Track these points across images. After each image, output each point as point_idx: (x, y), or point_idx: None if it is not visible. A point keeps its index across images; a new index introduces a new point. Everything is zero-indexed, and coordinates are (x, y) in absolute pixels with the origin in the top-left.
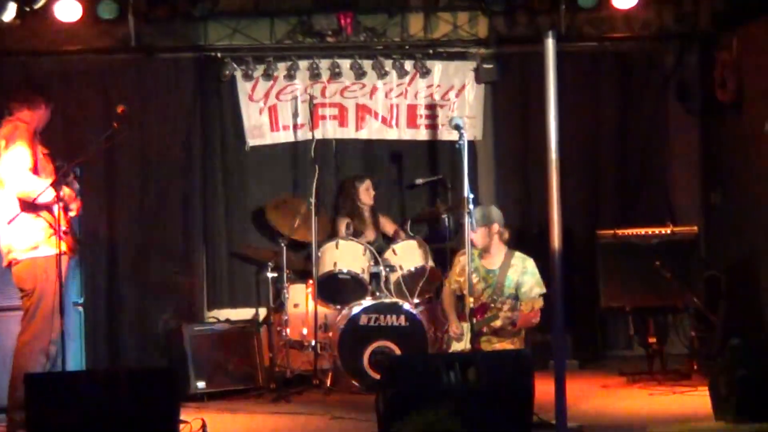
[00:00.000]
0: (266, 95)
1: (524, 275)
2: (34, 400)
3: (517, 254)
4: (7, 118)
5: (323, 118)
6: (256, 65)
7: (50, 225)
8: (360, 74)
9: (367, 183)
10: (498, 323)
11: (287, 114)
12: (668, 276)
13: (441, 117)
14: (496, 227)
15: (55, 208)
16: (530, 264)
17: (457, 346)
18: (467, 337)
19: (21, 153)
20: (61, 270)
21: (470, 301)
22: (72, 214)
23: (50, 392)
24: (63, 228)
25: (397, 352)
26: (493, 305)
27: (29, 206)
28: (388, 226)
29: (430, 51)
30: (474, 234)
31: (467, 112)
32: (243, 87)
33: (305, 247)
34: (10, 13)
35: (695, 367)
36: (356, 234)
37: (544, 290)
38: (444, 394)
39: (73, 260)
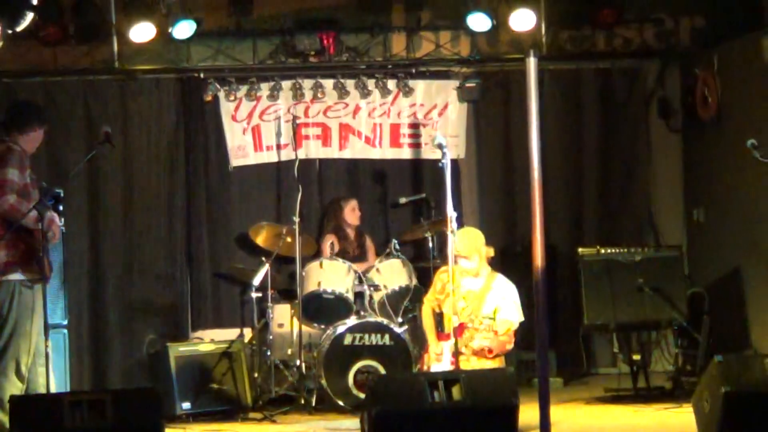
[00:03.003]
0: (249, 115)
1: (504, 300)
2: (19, 422)
3: (500, 277)
4: (1, 139)
5: (306, 137)
6: (239, 85)
7: (27, 249)
8: (343, 94)
9: (353, 203)
10: (475, 344)
11: (270, 134)
12: (652, 293)
13: (424, 136)
14: (484, 250)
15: (36, 231)
16: (511, 290)
17: (437, 367)
18: (447, 357)
19: (10, 175)
20: (34, 295)
21: (454, 321)
22: (51, 239)
23: (35, 415)
24: (40, 253)
25: (382, 371)
26: (471, 325)
27: (10, 227)
28: (371, 254)
29: (413, 70)
30: (468, 261)
31: (450, 130)
32: (226, 107)
33: (289, 267)
34: None
35: (679, 384)
36: (341, 253)
37: (521, 318)
38: (428, 412)
39: (46, 286)
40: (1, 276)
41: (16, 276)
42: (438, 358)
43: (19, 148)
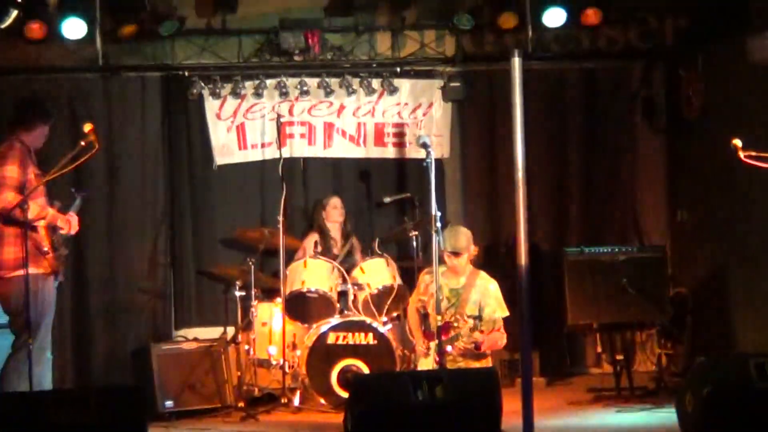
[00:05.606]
0: (234, 114)
1: (487, 297)
2: (1, 420)
3: (482, 275)
4: (7, 136)
5: (291, 136)
6: (224, 84)
7: (34, 245)
8: (327, 92)
9: (334, 201)
10: (461, 343)
11: (255, 132)
12: (635, 293)
13: (408, 135)
14: (472, 248)
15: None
16: (493, 286)
17: (425, 363)
18: (433, 354)
19: (9, 172)
20: (45, 288)
21: (437, 320)
22: (63, 233)
23: (17, 412)
24: (45, 248)
25: (365, 370)
26: (456, 324)
27: (6, 220)
28: (357, 255)
29: (398, 69)
30: (459, 259)
31: (434, 130)
32: (210, 105)
33: (273, 266)
34: None
35: (662, 384)
36: (324, 253)
37: (506, 313)
38: (412, 412)
39: (57, 280)
40: (12, 272)
41: (30, 270)
42: (425, 354)
43: (21, 145)
